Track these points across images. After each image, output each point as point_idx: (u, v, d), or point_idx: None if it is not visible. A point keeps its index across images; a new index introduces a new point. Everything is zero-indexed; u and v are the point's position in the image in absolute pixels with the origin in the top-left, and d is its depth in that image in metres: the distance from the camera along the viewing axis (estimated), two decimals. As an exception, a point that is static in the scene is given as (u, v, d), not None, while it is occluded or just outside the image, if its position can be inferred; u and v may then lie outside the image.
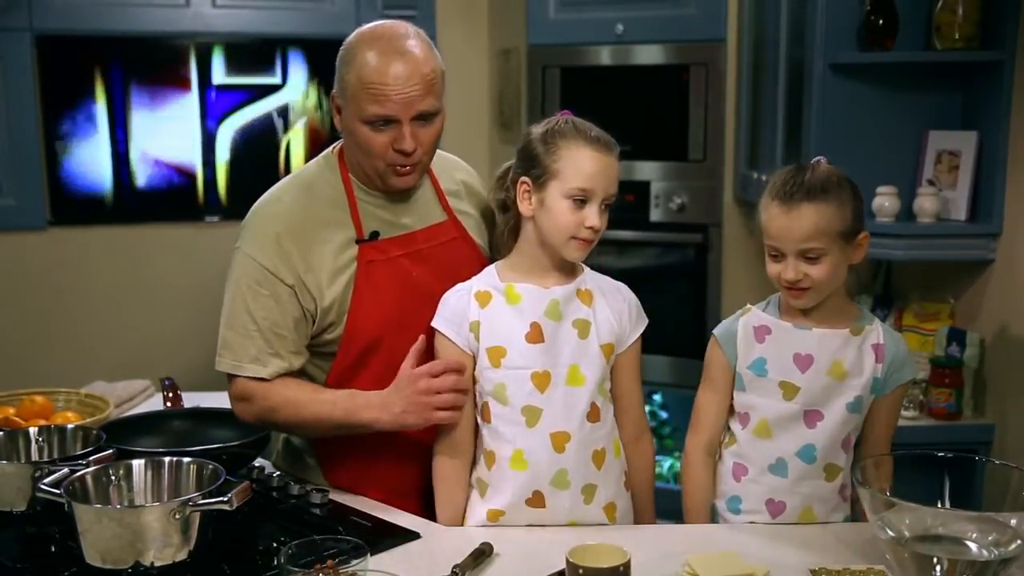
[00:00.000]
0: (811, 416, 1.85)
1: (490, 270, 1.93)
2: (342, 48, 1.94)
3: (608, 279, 1.95)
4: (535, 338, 1.85)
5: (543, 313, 1.85)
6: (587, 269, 1.94)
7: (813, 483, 1.87)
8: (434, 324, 1.91)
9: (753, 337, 1.90)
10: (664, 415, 4.18)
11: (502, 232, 1.96)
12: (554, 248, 1.86)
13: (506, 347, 1.86)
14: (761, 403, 1.88)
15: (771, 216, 1.81)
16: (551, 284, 1.88)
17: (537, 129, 1.88)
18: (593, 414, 1.87)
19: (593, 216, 1.82)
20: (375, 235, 1.98)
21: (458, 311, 1.90)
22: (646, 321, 1.95)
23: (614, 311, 1.90)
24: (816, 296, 1.83)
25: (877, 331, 1.88)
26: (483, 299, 1.88)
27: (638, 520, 1.98)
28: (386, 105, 1.87)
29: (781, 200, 1.80)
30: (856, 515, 1.93)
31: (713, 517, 1.95)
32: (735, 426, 1.93)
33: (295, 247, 1.93)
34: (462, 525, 1.92)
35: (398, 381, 1.88)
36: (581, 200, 1.81)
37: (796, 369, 1.85)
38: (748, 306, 1.94)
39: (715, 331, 1.94)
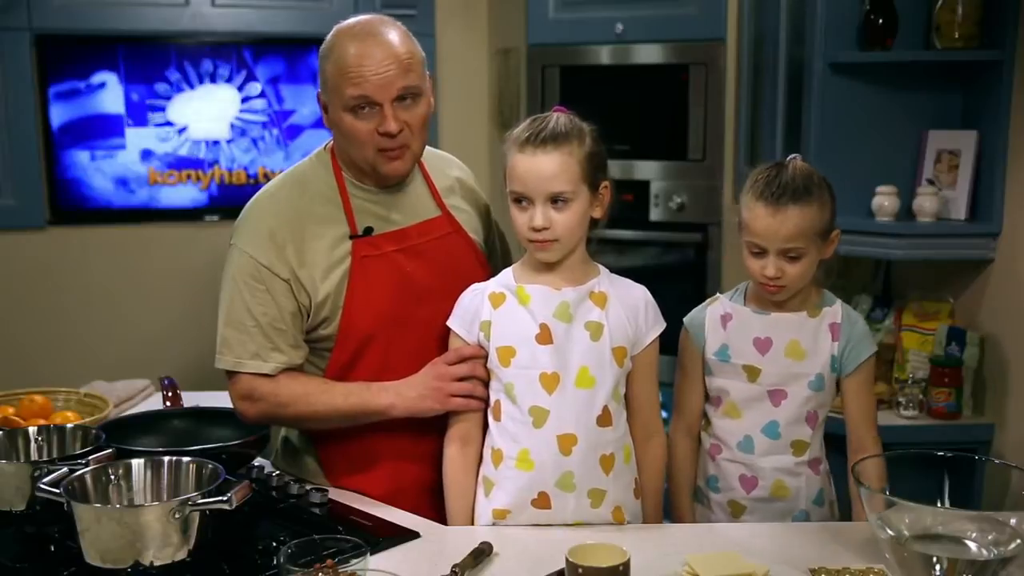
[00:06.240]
0: (775, 395, 1.93)
1: (507, 271, 1.93)
2: (322, 46, 1.95)
3: (627, 281, 1.94)
4: (544, 339, 1.84)
5: (552, 314, 1.85)
6: (604, 271, 1.92)
7: (780, 458, 1.94)
8: (448, 323, 1.93)
9: (719, 324, 1.98)
10: (664, 415, 4.17)
11: None
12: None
13: (515, 347, 1.85)
14: (729, 385, 1.96)
15: (757, 216, 1.89)
16: (563, 286, 1.87)
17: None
18: (604, 418, 1.85)
19: (536, 216, 1.80)
20: (368, 231, 1.98)
21: (471, 311, 1.90)
22: (663, 324, 1.92)
23: (628, 313, 1.88)
24: (792, 291, 1.93)
25: (836, 312, 1.96)
26: (496, 300, 1.89)
27: (644, 523, 1.95)
28: (363, 86, 1.87)
29: (767, 201, 1.88)
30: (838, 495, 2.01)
31: (697, 496, 2.03)
32: (710, 409, 2.01)
33: (289, 242, 1.93)
34: (472, 521, 1.91)
35: (419, 372, 1.93)
36: (523, 202, 1.82)
37: (756, 352, 1.94)
38: (717, 295, 2.03)
39: (685, 320, 2.02)
